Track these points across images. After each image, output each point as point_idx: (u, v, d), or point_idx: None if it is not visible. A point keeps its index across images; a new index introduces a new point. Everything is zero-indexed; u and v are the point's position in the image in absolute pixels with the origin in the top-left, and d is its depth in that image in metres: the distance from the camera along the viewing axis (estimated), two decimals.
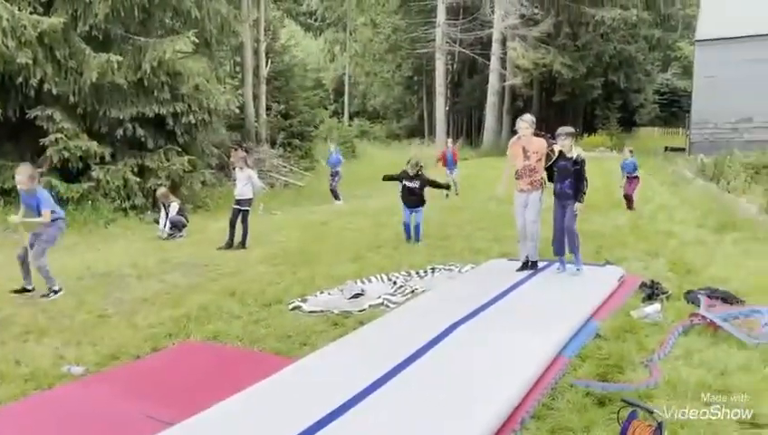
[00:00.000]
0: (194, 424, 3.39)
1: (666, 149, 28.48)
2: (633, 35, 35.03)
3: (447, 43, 32.67)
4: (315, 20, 46.43)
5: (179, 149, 13.79)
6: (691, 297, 5.71)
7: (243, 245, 9.51)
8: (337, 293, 6.53)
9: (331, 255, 8.71)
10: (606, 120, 37.62)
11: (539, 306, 5.58)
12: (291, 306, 6.08)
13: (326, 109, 33.81)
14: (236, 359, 4.80)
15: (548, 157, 6.83)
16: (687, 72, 32.74)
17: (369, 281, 6.99)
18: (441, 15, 32.29)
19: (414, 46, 35.06)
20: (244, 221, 9.62)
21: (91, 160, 12.48)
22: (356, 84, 43.78)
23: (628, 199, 12.17)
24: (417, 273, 7.39)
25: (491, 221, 10.98)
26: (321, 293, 6.56)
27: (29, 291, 6.67)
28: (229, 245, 9.49)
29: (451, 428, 3.23)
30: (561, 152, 6.69)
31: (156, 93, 13.00)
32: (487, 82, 32.95)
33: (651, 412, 3.10)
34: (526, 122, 6.81)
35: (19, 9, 11.25)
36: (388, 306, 6.02)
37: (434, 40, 32.75)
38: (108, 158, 12.78)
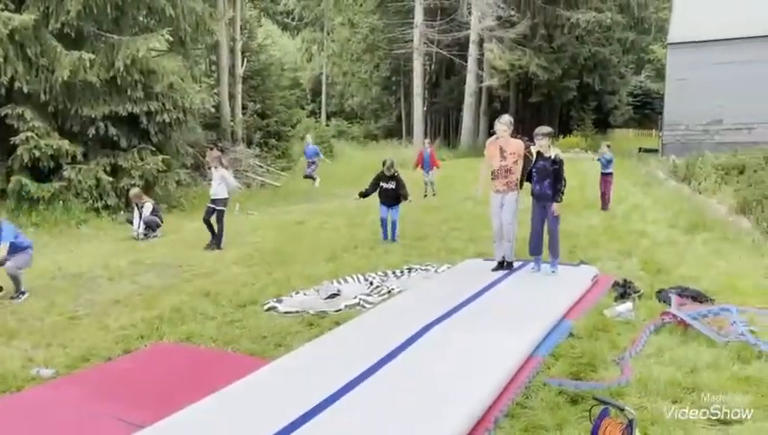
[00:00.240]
0: (165, 426, 3.35)
1: (639, 150, 28.88)
2: (607, 38, 35.46)
3: (425, 43, 32.73)
4: (292, 19, 46.30)
5: (153, 149, 13.60)
6: (662, 296, 5.81)
7: (218, 245, 9.42)
8: (313, 293, 6.51)
9: (307, 255, 8.67)
10: (581, 121, 38.01)
11: (514, 306, 5.62)
12: (266, 307, 6.04)
13: (303, 108, 33.68)
14: (210, 360, 4.75)
15: (527, 159, 6.88)
16: (660, 74, 33.19)
17: (346, 281, 6.98)
18: (419, 16, 32.34)
19: (392, 47, 35.05)
20: (219, 221, 9.53)
21: (62, 159, 12.25)
22: (333, 84, 43.65)
23: (604, 198, 12.33)
24: (394, 273, 7.40)
25: (467, 221, 11.03)
26: (297, 293, 6.53)
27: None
28: (219, 244, 9.47)
29: (424, 430, 3.23)
30: (539, 153, 6.74)
31: (129, 92, 12.80)
32: (464, 83, 33.09)
33: (622, 410, 3.14)
34: (504, 124, 6.85)
35: None
36: (364, 307, 6.02)
37: (411, 41, 32.77)
38: (80, 157, 12.56)
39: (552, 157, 6.66)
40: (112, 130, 12.86)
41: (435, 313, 5.21)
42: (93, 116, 12.51)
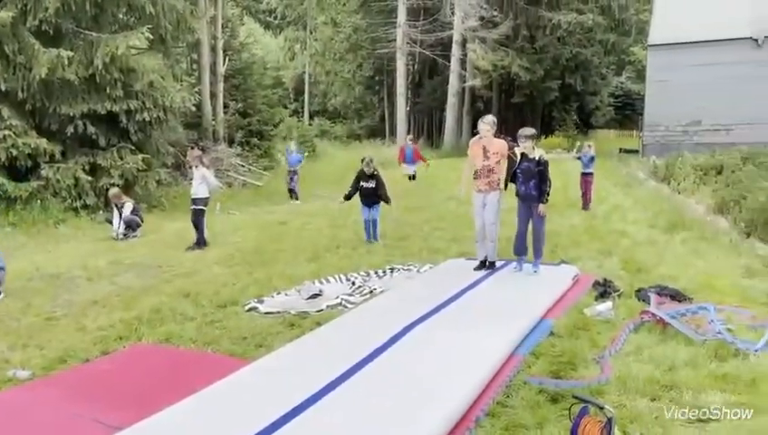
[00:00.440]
0: (144, 428, 3.31)
1: (620, 150, 29.16)
2: (589, 39, 35.80)
3: (408, 43, 32.78)
4: (275, 18, 46.10)
5: (133, 148, 13.46)
6: (642, 295, 5.86)
7: (198, 245, 9.35)
8: (294, 293, 6.48)
9: (289, 255, 8.63)
10: (563, 121, 38.33)
11: (495, 305, 5.63)
12: (247, 307, 6.00)
13: (286, 108, 33.57)
14: (189, 361, 4.70)
15: (511, 160, 6.89)
16: (641, 75, 33.54)
17: (328, 281, 6.96)
18: (402, 16, 32.37)
19: (375, 46, 35.05)
20: (200, 221, 9.45)
21: (40, 158, 12.10)
22: (316, 83, 43.55)
23: (585, 198, 12.41)
24: (376, 273, 7.38)
25: (450, 221, 11.05)
26: (278, 293, 6.49)
27: None
28: (203, 244, 9.41)
29: (404, 429, 3.23)
30: (523, 154, 6.76)
31: (108, 90, 12.66)
32: (448, 83, 33.17)
33: (602, 408, 3.16)
34: (488, 124, 6.84)
35: None
36: (346, 307, 6.00)
37: (395, 40, 32.80)
38: (58, 156, 12.41)
39: (537, 158, 6.67)
40: (91, 129, 12.72)
41: (417, 312, 5.21)
42: (72, 114, 12.37)
